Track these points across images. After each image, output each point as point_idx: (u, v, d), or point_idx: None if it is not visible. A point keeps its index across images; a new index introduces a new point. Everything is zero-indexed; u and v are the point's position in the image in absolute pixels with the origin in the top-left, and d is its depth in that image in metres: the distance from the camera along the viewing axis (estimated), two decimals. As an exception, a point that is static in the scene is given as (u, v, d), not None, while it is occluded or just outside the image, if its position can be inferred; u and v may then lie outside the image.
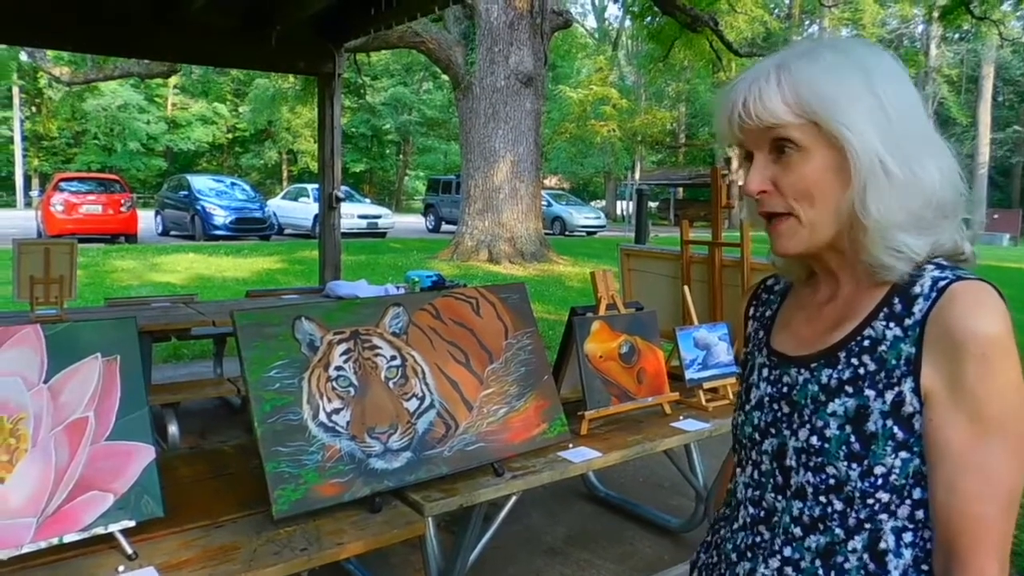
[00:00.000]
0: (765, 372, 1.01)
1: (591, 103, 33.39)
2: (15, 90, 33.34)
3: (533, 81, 13.52)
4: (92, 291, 9.53)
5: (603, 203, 39.42)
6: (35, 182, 35.18)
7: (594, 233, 24.87)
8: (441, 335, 2.05)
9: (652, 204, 32.25)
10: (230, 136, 41.00)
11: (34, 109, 36.96)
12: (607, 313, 2.53)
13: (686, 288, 2.92)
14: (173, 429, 3.81)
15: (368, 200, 25.17)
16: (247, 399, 1.72)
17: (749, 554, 0.97)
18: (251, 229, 18.31)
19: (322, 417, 1.77)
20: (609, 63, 35.94)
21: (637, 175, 37.74)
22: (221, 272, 11.68)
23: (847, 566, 0.88)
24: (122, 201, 16.51)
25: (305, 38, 5.68)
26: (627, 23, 34.26)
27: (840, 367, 0.90)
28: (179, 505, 1.79)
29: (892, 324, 0.88)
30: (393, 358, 1.93)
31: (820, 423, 0.90)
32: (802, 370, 0.95)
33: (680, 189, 36.75)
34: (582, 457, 2.16)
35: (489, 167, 13.52)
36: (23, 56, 23.95)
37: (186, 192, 18.75)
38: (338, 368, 1.83)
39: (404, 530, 1.73)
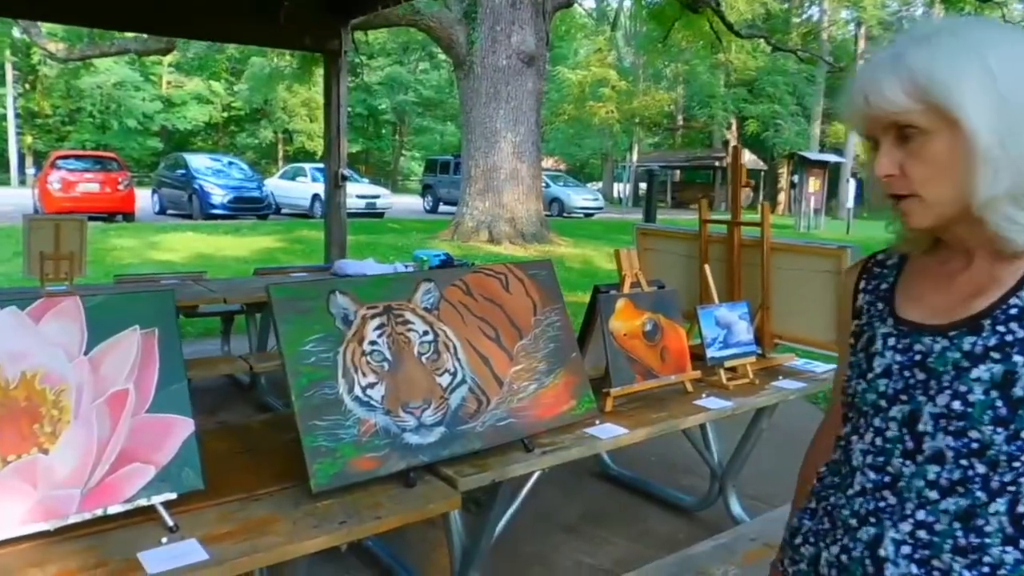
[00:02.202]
0: (892, 341, 1.02)
1: (589, 84, 33.21)
2: (8, 67, 32.99)
3: (535, 61, 13.43)
4: (94, 269, 9.42)
5: (600, 185, 39.34)
6: (29, 160, 34.93)
7: (592, 215, 24.82)
8: (472, 311, 2.04)
9: (644, 186, 32.23)
10: (225, 115, 40.68)
11: (27, 86, 36.59)
12: (631, 291, 2.53)
13: (706, 267, 2.92)
14: (186, 406, 3.80)
15: (366, 180, 25.05)
16: (283, 373, 1.72)
17: (872, 519, 0.98)
18: (249, 208, 18.22)
19: (357, 391, 1.77)
20: (608, 44, 35.72)
21: (634, 157, 37.64)
22: (221, 251, 11.63)
23: (988, 528, 0.90)
24: (119, 179, 16.40)
25: (312, 15, 5.62)
26: (626, 3, 34.03)
27: (985, 334, 0.93)
28: (214, 479, 1.78)
29: None
30: (425, 333, 1.93)
31: (963, 388, 0.92)
32: (938, 338, 0.97)
33: (677, 171, 36.68)
34: (609, 434, 2.17)
35: (490, 147, 13.46)
36: (16, 32, 23.66)
37: (184, 171, 18.63)
38: (372, 343, 1.83)
39: (441, 504, 1.74)
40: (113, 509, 1.48)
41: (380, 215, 20.47)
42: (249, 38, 6.79)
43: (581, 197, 25.38)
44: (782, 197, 31.93)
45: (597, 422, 2.23)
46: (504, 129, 13.35)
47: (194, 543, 1.49)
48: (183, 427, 1.59)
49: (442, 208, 22.86)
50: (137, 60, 32.42)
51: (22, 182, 31.58)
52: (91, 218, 14.76)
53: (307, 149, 37.95)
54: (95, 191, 15.88)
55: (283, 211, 20.26)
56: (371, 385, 1.80)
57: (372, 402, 1.79)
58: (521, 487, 2.29)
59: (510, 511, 2.34)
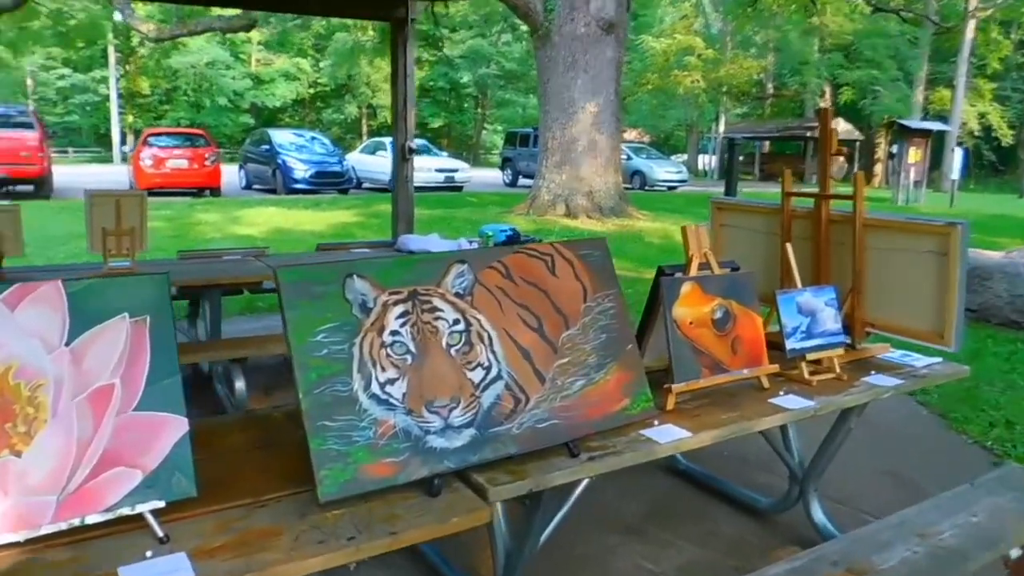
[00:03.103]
0: None
1: (674, 53, 32.15)
2: (111, 49, 34.50)
3: (614, 27, 12.93)
4: (177, 243, 9.75)
5: (685, 157, 38.21)
6: (129, 138, 36.53)
7: (675, 188, 24.12)
8: (511, 296, 1.81)
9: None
10: (312, 91, 41.48)
11: (128, 67, 38.19)
12: (699, 273, 2.24)
13: (788, 246, 2.59)
14: (240, 385, 3.74)
15: (445, 154, 25.04)
16: (290, 366, 1.53)
17: None
18: (330, 183, 18.46)
19: (375, 388, 1.57)
20: (694, 10, 34.44)
21: (721, 128, 36.35)
22: (299, 225, 11.76)
23: None
24: (207, 155, 16.85)
25: (376, -19, 5.45)
26: (715, -33, 32.69)
27: None
28: (223, 479, 1.63)
29: None
30: (456, 322, 1.71)
31: None
32: None
33: (766, 143, 35.22)
34: (669, 437, 1.91)
35: (567, 119, 13.09)
36: (117, 16, 24.62)
37: (267, 146, 19.01)
38: (393, 333, 1.62)
39: (466, 518, 1.53)
40: (92, 519, 1.33)
41: (459, 189, 20.44)
42: (314, 7, 6.68)
43: (664, 170, 24.68)
44: (879, 169, 30.24)
45: (656, 423, 1.97)
46: (582, 99, 12.95)
47: (182, 558, 1.33)
48: (175, 427, 1.42)
49: (522, 181, 22.62)
50: (225, 40, 33.35)
51: (124, 159, 33.06)
52: (180, 194, 15.14)
53: (390, 123, 38.28)
54: (184, 167, 16.37)
55: (364, 185, 20.44)
56: (391, 381, 1.59)
57: (391, 400, 1.58)
58: (569, 492, 2.06)
59: (559, 515, 2.11)
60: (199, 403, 4.34)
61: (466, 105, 44.40)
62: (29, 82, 36.73)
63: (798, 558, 1.91)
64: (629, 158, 23.59)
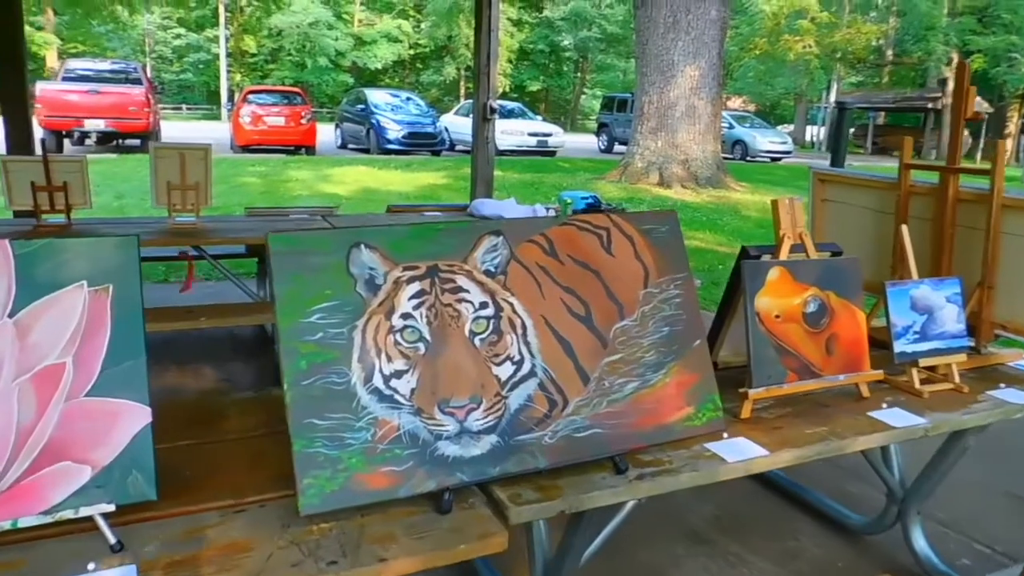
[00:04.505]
0: None
1: (785, 16, 30.39)
2: (221, 8, 35.60)
3: (721, -15, 12.16)
4: (266, 199, 9.88)
5: (791, 128, 36.33)
6: (236, 96, 37.74)
7: (779, 159, 22.92)
8: (554, 277, 1.51)
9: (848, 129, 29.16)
10: (412, 52, 41.64)
11: (236, 26, 39.35)
12: (791, 257, 1.87)
13: (904, 228, 2.17)
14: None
15: (540, 118, 24.60)
16: (277, 352, 1.29)
17: None
18: (423, 144, 18.40)
19: (377, 381, 1.31)
20: (810, -30, 32.35)
21: (832, 98, 34.28)
22: (387, 185, 11.71)
23: None
24: (303, 114, 17.03)
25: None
26: (836, -77, 30.53)
27: None
28: (208, 473, 1.43)
29: None
30: (483, 305, 1.42)
31: None
32: None
33: (882, 114, 33.00)
34: (739, 455, 1.58)
35: (665, 82, 12.46)
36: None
37: (363, 106, 19.10)
38: (405, 316, 1.36)
39: (475, 545, 1.26)
40: (26, 521, 1.13)
41: (552, 154, 20.03)
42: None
43: (767, 140, 23.47)
44: (1009, 145, 27.86)
45: (725, 435, 1.64)
46: (682, 62, 12.28)
47: (131, 572, 1.12)
48: (136, 417, 1.21)
49: (617, 148, 22.00)
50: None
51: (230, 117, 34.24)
52: (277, 151, 15.38)
53: (486, 86, 38.01)
54: (281, 125, 16.61)
55: (457, 148, 20.30)
56: (397, 373, 1.33)
57: (396, 396, 1.32)
58: (617, 508, 1.76)
59: (603, 535, 1.82)
60: (263, 367, 4.25)
61: (565, 69, 43.67)
62: (148, 41, 38.38)
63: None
64: (731, 127, 22.54)
